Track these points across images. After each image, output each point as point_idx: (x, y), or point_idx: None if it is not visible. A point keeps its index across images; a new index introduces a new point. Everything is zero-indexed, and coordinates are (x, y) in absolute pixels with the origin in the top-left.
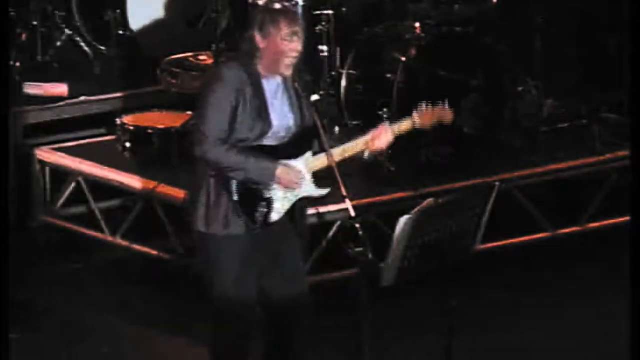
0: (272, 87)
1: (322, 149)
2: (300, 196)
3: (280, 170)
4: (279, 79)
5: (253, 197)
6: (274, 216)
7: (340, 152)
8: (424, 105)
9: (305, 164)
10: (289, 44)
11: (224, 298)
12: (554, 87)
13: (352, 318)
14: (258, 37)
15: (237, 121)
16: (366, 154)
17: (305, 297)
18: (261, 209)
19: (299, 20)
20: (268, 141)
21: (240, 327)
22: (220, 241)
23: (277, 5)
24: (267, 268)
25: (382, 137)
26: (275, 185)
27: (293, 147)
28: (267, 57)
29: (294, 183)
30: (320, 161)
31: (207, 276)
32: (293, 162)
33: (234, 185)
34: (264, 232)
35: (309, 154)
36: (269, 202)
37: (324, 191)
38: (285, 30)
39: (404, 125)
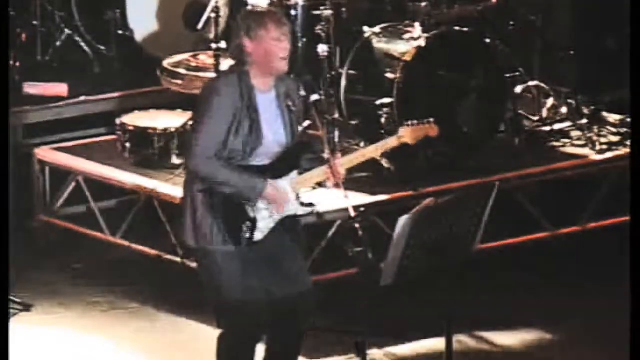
0: (266, 102)
1: (322, 152)
2: (284, 216)
3: (269, 190)
4: (273, 94)
5: (238, 216)
6: (258, 235)
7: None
8: (409, 121)
9: (291, 184)
10: (278, 44)
11: (226, 307)
12: (554, 87)
13: (352, 318)
14: (247, 42)
15: (231, 135)
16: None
17: (310, 294)
18: (245, 229)
19: (285, 20)
20: (260, 157)
21: (245, 333)
22: (211, 256)
23: (262, 8)
24: (268, 271)
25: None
26: (261, 205)
27: (280, 166)
28: (258, 61)
29: (279, 204)
30: (318, 175)
31: (209, 286)
32: (280, 182)
33: (220, 203)
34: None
35: (294, 173)
36: (253, 222)
37: (309, 210)
38: (273, 31)
39: (391, 142)
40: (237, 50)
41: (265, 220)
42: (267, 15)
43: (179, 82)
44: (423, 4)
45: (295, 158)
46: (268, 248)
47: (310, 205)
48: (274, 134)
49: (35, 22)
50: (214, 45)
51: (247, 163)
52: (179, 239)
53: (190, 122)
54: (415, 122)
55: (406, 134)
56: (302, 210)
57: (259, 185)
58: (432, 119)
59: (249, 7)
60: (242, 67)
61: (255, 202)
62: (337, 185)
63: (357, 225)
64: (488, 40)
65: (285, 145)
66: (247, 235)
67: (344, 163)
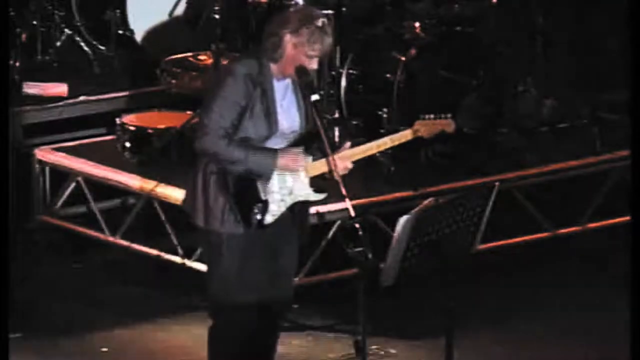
0: (282, 87)
1: (322, 151)
2: (297, 200)
3: (281, 160)
4: (288, 80)
5: (249, 198)
6: (269, 218)
7: (366, 149)
8: (426, 115)
9: (305, 168)
10: (313, 61)
11: (225, 293)
12: (554, 87)
13: (352, 318)
14: (288, 40)
15: (244, 120)
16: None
17: (289, 301)
18: (256, 211)
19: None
20: (274, 142)
21: (240, 324)
22: (220, 238)
23: (320, 23)
24: (263, 265)
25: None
26: (273, 188)
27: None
28: (287, 61)
29: (294, 162)
30: (320, 167)
31: (208, 270)
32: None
33: (231, 185)
34: (264, 230)
35: (309, 158)
36: (265, 205)
37: (321, 196)
38: (319, 50)
39: (405, 135)
40: (272, 40)
41: (277, 203)
42: (323, 31)
43: (179, 82)
44: (423, 4)
45: (309, 143)
46: (272, 237)
47: (322, 191)
48: (290, 121)
49: (35, 22)
50: (213, 46)
51: (262, 145)
52: (179, 237)
53: (197, 115)
54: (432, 116)
55: (422, 128)
56: (314, 196)
57: (269, 161)
58: (449, 115)
59: (308, 11)
60: (267, 56)
61: (268, 178)
62: (337, 177)
63: (357, 225)
64: (488, 40)
65: (299, 131)
66: (258, 217)
67: (356, 153)
